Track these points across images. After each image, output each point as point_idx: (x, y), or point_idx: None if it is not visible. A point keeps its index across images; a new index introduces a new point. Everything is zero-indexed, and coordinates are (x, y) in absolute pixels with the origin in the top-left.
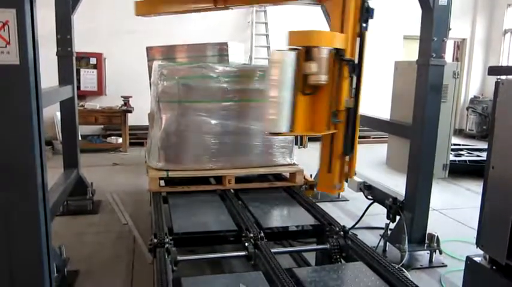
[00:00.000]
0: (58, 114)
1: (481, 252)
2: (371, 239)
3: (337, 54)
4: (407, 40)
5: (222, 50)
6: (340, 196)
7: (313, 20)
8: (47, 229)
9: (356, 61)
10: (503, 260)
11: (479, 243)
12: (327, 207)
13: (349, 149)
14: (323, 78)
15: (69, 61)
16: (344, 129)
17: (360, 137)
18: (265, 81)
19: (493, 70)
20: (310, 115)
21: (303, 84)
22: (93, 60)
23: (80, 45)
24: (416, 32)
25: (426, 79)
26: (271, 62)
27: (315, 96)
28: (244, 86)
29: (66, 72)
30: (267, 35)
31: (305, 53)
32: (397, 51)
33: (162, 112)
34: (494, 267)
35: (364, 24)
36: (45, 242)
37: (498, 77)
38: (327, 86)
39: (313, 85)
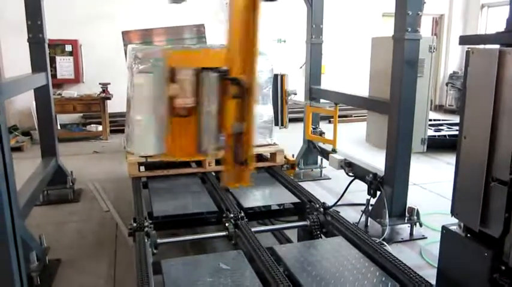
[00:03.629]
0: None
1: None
2: (353, 215)
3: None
4: (386, 17)
5: (199, 32)
6: (323, 175)
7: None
8: (12, 217)
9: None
10: (477, 227)
11: (454, 212)
12: (310, 186)
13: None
14: (189, 101)
15: (42, 48)
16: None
17: (341, 116)
18: None
19: (464, 40)
20: (186, 138)
21: (169, 107)
22: (68, 48)
23: (54, 32)
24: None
25: (402, 54)
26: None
27: (190, 119)
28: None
29: (39, 60)
30: None
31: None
32: (376, 29)
33: None
34: (468, 235)
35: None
36: (11, 231)
37: (469, 46)
38: (200, 108)
39: (183, 108)
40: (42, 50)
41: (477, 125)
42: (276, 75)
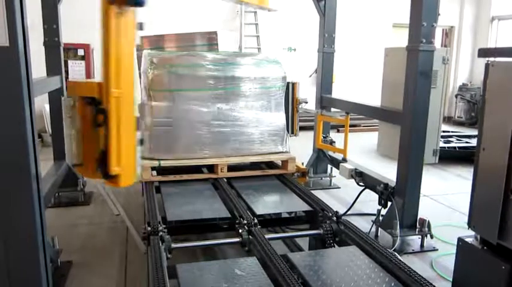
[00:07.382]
0: (47, 106)
1: (472, 234)
2: (363, 225)
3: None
4: (396, 28)
5: (211, 39)
6: (332, 184)
7: (303, 7)
8: (41, 218)
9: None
10: (495, 240)
11: (470, 224)
12: (319, 194)
13: None
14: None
15: (57, 51)
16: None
17: (350, 126)
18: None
19: (483, 52)
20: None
21: None
22: (80, 52)
23: (67, 36)
24: (405, 20)
25: (416, 65)
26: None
27: None
28: (235, 74)
29: (54, 63)
30: (256, 24)
31: None
32: (387, 39)
33: (153, 101)
34: (485, 247)
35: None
36: (40, 231)
37: (488, 59)
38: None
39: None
40: (58, 54)
41: (496, 137)
42: (287, 83)
